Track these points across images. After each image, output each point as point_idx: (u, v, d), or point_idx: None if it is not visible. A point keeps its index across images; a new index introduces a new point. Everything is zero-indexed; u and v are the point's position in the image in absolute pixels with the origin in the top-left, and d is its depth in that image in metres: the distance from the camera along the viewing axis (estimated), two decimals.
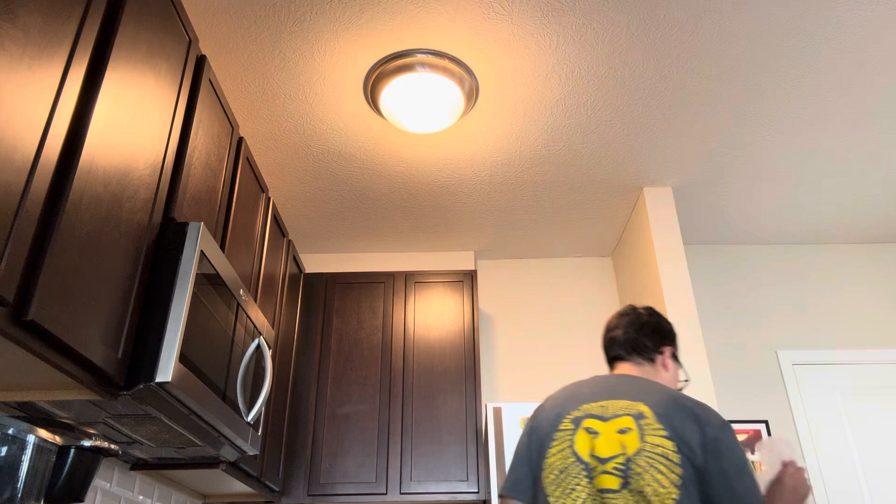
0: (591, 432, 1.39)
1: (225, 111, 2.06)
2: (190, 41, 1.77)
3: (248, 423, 1.90)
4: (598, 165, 3.07)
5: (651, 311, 1.66)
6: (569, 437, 1.42)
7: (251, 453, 1.98)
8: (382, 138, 2.88)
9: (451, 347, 3.14)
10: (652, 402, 1.37)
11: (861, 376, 3.39)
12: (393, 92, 2.53)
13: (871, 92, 2.64)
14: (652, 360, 1.59)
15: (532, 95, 2.64)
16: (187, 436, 1.66)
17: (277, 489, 2.67)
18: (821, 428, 3.27)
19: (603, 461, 1.34)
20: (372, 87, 2.56)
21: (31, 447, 1.30)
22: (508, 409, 2.52)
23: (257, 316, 2.02)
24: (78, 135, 1.21)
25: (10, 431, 1.27)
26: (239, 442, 1.84)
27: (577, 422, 1.43)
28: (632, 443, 1.33)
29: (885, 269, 3.70)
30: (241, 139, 2.24)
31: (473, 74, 2.53)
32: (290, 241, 2.92)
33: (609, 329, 1.66)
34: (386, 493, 2.82)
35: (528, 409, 2.51)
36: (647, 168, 3.10)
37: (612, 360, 1.64)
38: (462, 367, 3.10)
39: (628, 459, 1.31)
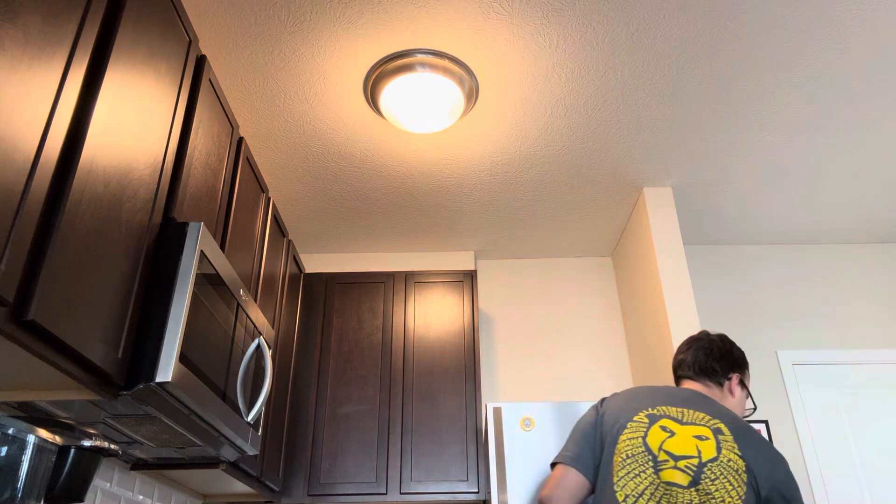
0: (666, 430, 1.52)
1: (225, 111, 2.06)
2: (190, 41, 1.77)
3: (248, 423, 1.90)
4: (598, 165, 3.07)
5: (723, 338, 1.78)
6: (642, 429, 1.54)
7: (251, 453, 1.98)
8: (382, 138, 2.88)
9: (451, 347, 3.14)
10: (731, 426, 1.51)
11: (861, 376, 3.39)
12: (393, 92, 2.53)
13: (870, 92, 2.64)
14: (720, 384, 1.70)
15: (532, 95, 2.64)
16: (187, 436, 1.66)
17: (277, 489, 2.67)
18: (821, 427, 3.27)
19: (676, 458, 1.46)
20: (372, 87, 2.56)
21: (31, 447, 1.30)
22: (508, 409, 2.52)
23: (257, 316, 2.02)
24: (78, 135, 1.21)
25: (10, 431, 1.27)
26: (239, 442, 1.84)
27: (652, 418, 1.56)
28: (708, 450, 1.46)
29: (885, 269, 3.70)
30: (241, 139, 2.24)
31: (473, 74, 2.53)
32: (290, 241, 2.92)
33: (680, 351, 1.79)
34: (386, 493, 2.82)
35: (528, 409, 2.51)
36: (647, 168, 3.10)
37: (679, 378, 1.77)
38: (462, 367, 3.10)
39: (702, 464, 1.44)
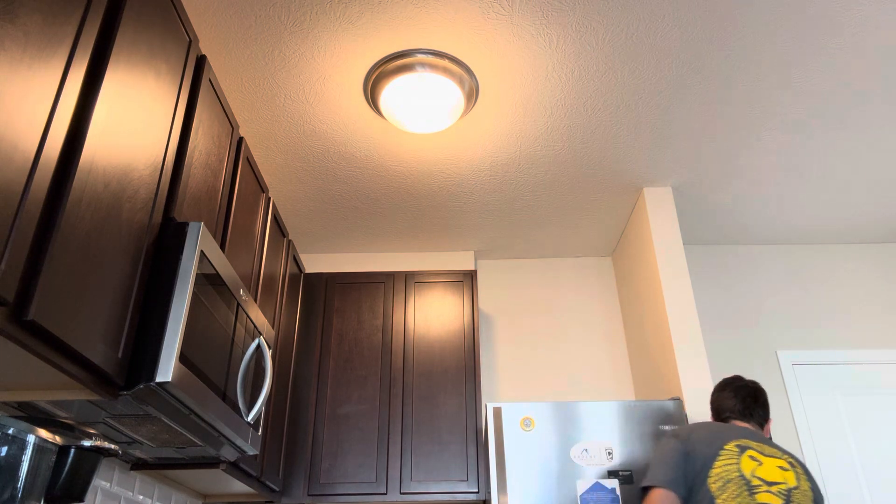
0: (755, 460, 1.85)
1: (225, 111, 2.06)
2: (190, 41, 1.77)
3: (248, 423, 1.90)
4: (598, 165, 3.07)
5: (758, 386, 2.10)
6: (735, 458, 1.86)
7: (251, 453, 1.98)
8: (382, 138, 2.88)
9: (451, 347, 3.14)
10: (797, 463, 1.89)
11: (861, 376, 3.39)
12: (393, 92, 2.53)
13: (871, 92, 2.64)
14: (762, 427, 2.04)
15: (532, 95, 2.64)
16: (187, 436, 1.66)
17: (277, 489, 2.67)
18: (821, 428, 3.27)
19: (769, 483, 1.80)
20: (372, 88, 2.56)
21: (31, 447, 1.30)
22: (508, 409, 2.52)
23: (257, 316, 2.02)
24: (78, 135, 1.21)
25: (10, 431, 1.27)
26: (239, 442, 1.84)
27: (741, 448, 1.89)
28: (791, 479, 1.83)
29: (885, 269, 3.70)
30: (241, 139, 2.24)
31: (473, 74, 2.53)
32: (290, 241, 2.92)
33: (727, 396, 2.09)
34: (386, 493, 2.82)
35: (528, 409, 2.51)
36: (647, 168, 3.10)
37: (726, 418, 2.08)
38: (462, 367, 3.10)
39: (790, 489, 1.80)
